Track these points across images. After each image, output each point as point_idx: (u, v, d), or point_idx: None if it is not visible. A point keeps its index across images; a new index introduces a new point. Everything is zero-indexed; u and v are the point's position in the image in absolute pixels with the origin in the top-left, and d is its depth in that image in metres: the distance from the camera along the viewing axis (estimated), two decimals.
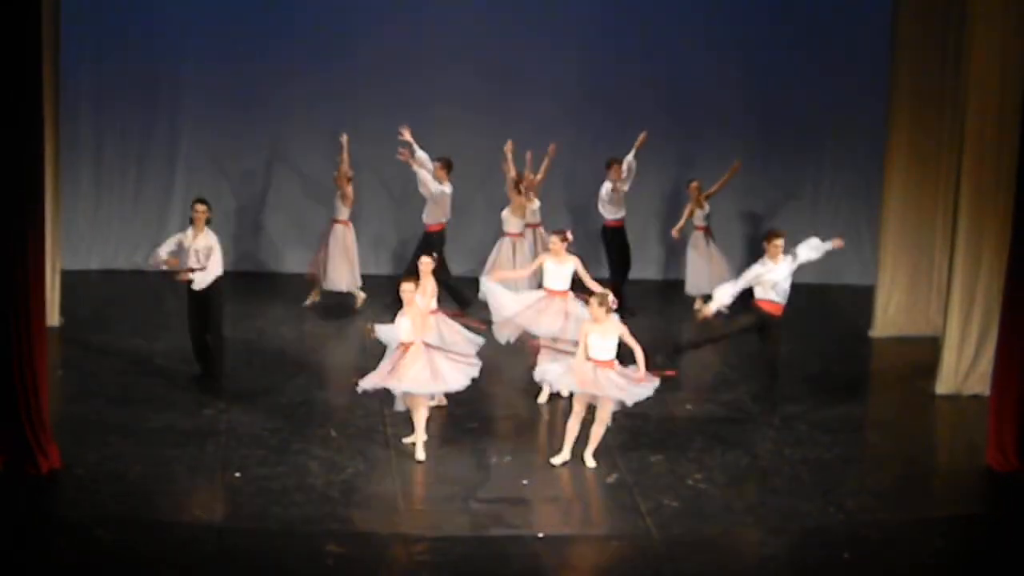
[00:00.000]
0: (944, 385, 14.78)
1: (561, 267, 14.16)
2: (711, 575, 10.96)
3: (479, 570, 10.90)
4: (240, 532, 11.25)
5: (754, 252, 18.85)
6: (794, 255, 13.87)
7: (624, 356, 12.78)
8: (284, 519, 11.55)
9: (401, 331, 12.67)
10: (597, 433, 12.76)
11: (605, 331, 12.68)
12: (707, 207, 17.53)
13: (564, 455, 12.82)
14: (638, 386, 12.71)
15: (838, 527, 11.69)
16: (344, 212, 16.87)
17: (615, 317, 12.87)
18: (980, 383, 14.41)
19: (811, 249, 14.05)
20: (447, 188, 16.74)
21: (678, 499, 12.12)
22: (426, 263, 13.66)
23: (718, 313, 13.74)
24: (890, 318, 16.77)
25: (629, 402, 12.71)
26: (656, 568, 10.98)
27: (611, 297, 12.84)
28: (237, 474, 12.29)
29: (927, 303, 16.66)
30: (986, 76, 14.15)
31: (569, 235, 14.34)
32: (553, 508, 12.00)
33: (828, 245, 14.09)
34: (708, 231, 17.61)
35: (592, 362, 12.65)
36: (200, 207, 14.15)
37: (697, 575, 10.94)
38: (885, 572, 11.04)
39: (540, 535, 11.44)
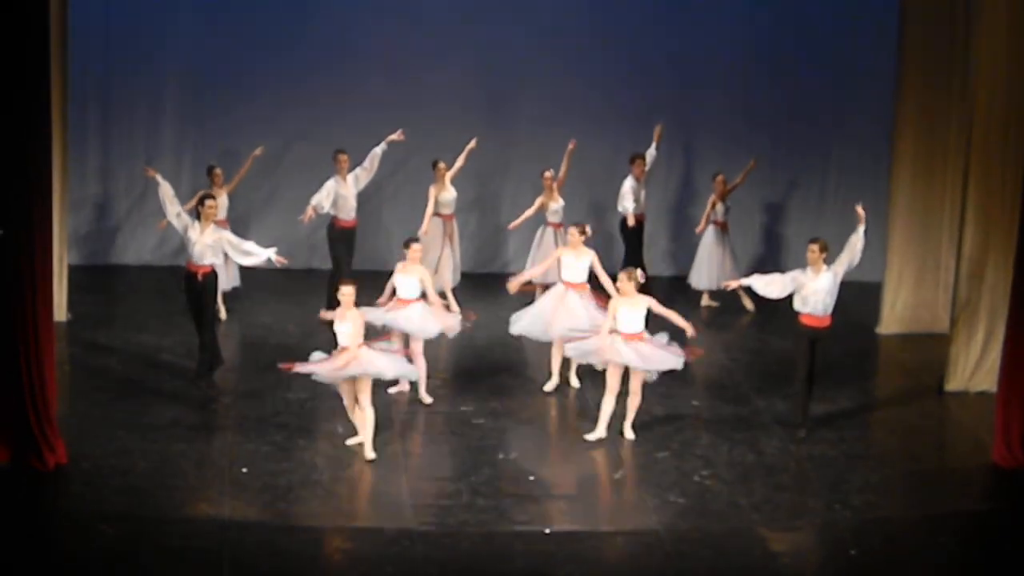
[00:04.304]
0: (951, 382, 14.77)
1: (578, 260, 14.35)
2: (717, 572, 10.94)
3: (485, 566, 10.89)
4: (246, 528, 11.26)
5: (760, 250, 18.90)
6: (835, 272, 13.22)
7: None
8: (290, 515, 11.56)
9: (342, 335, 12.68)
10: (633, 405, 13.21)
11: (633, 304, 13.09)
12: (728, 202, 17.52)
13: (599, 432, 13.22)
14: (663, 356, 13.09)
15: (844, 524, 11.68)
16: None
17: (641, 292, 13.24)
18: (987, 380, 14.41)
19: (847, 253, 13.19)
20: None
21: (684, 495, 12.12)
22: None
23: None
24: (897, 315, 16.75)
25: (653, 370, 13.12)
26: (662, 564, 10.97)
27: (639, 272, 13.30)
28: (244, 470, 12.31)
29: (934, 300, 16.65)
30: (993, 73, 14.13)
31: (588, 229, 14.57)
32: (559, 504, 12.00)
33: (859, 231, 13.14)
34: (725, 227, 17.59)
35: (621, 335, 13.04)
36: (211, 202, 14.13)
37: (703, 572, 10.93)
38: (891, 568, 11.03)
39: (546, 531, 11.44)
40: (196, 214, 14.13)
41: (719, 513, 11.85)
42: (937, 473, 12.97)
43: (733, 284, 13.98)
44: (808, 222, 18.73)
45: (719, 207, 17.48)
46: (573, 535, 11.45)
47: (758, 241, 19.06)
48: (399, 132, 16.45)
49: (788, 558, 11.16)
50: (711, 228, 17.54)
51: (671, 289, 18.33)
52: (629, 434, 13.22)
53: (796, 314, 13.36)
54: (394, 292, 13.85)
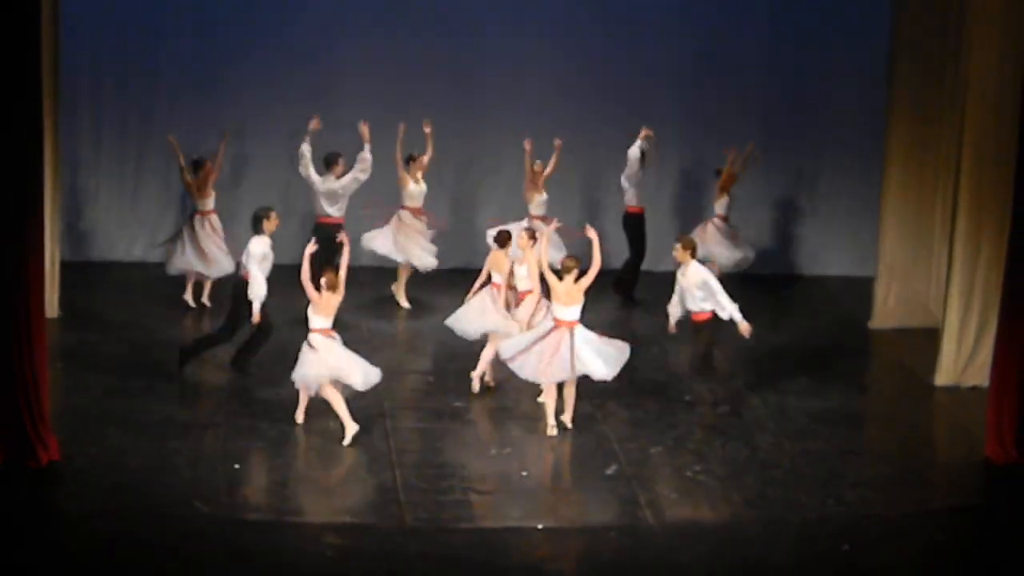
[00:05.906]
0: (943, 376, 14.78)
1: (519, 267, 14.11)
2: (710, 567, 10.95)
3: (478, 561, 10.89)
4: (239, 524, 11.26)
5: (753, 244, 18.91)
6: (707, 273, 13.62)
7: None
8: (283, 511, 11.56)
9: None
10: (569, 395, 13.28)
11: (570, 295, 13.13)
12: (727, 197, 17.63)
13: (553, 424, 13.25)
14: (603, 358, 13.10)
15: (837, 519, 11.70)
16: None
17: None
18: (979, 374, 14.40)
19: (718, 289, 13.56)
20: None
21: (677, 491, 12.13)
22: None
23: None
24: (889, 309, 16.76)
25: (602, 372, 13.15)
26: (655, 559, 10.98)
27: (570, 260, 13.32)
28: (236, 466, 12.31)
29: (926, 294, 16.65)
30: (986, 67, 14.15)
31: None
32: (552, 499, 12.00)
33: (727, 315, 13.48)
34: (725, 220, 17.71)
35: (560, 323, 13.09)
36: (273, 214, 14.41)
37: (696, 567, 10.94)
38: (884, 564, 11.04)
39: (539, 526, 11.45)
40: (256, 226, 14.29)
41: (712, 508, 11.87)
42: (930, 468, 12.99)
43: (672, 325, 14.01)
44: (800, 217, 18.76)
45: (723, 199, 17.55)
46: (566, 530, 11.46)
47: (751, 236, 19.05)
48: (314, 120, 16.28)
49: (780, 553, 11.16)
50: (709, 223, 17.64)
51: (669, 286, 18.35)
52: (568, 424, 13.32)
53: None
54: (487, 280, 14.09)
